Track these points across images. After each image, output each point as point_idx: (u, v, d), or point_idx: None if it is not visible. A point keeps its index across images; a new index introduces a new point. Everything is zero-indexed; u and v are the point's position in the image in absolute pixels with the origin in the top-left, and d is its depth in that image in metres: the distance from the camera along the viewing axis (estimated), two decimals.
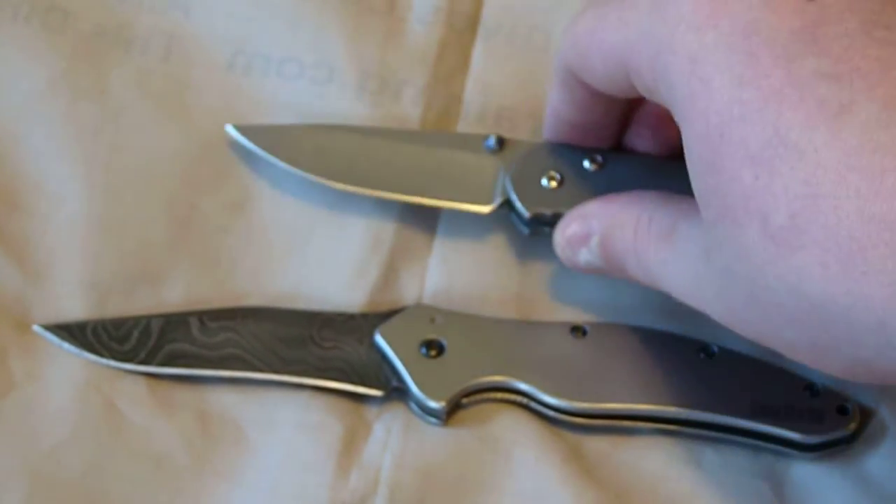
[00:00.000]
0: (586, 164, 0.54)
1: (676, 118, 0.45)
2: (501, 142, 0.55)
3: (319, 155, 0.55)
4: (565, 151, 0.54)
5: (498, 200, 0.54)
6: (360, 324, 0.54)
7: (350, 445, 0.52)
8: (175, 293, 0.55)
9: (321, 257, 0.56)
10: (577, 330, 0.53)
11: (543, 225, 0.54)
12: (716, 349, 0.53)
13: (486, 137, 0.55)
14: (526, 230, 0.54)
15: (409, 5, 0.59)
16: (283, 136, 0.56)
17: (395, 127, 0.57)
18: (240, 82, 0.58)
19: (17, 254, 0.55)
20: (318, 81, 0.58)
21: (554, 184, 0.54)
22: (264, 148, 0.56)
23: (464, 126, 0.58)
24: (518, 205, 0.54)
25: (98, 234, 0.55)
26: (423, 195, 0.55)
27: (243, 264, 0.55)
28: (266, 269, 0.55)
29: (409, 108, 0.58)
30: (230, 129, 0.56)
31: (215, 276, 0.55)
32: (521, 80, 0.58)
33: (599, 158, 0.54)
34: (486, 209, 0.54)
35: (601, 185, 0.53)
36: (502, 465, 0.51)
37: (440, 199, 0.55)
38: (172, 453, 0.52)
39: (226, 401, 0.53)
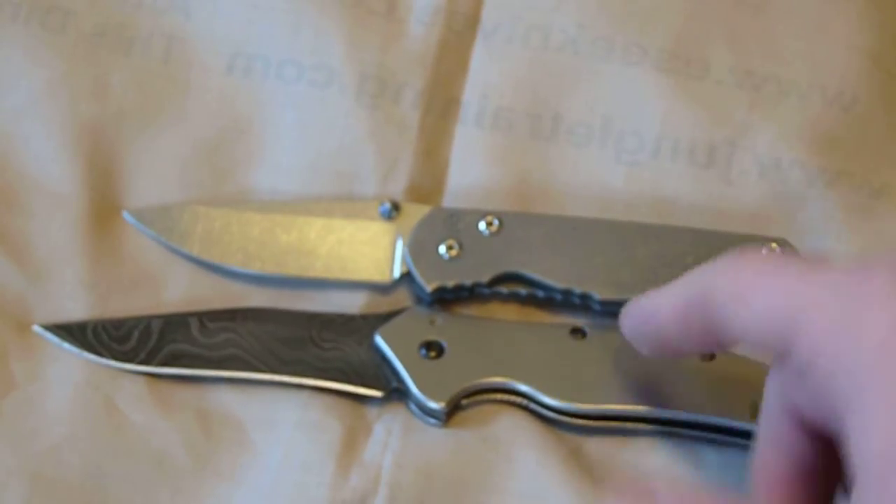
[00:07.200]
0: (482, 226, 0.54)
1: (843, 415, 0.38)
2: (396, 207, 0.55)
3: (212, 237, 0.55)
4: (460, 215, 0.54)
5: (398, 272, 0.54)
6: (360, 325, 0.54)
7: (350, 446, 0.52)
8: (175, 293, 0.55)
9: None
10: (577, 331, 0.53)
11: (446, 294, 0.54)
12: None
13: (380, 203, 0.55)
14: (429, 299, 0.54)
15: (409, 6, 0.59)
16: (177, 219, 0.55)
17: (292, 200, 0.56)
18: (239, 84, 0.58)
19: (17, 254, 0.55)
20: (318, 84, 0.58)
21: (453, 252, 0.54)
22: (158, 231, 0.55)
23: (462, 128, 0.58)
24: (419, 279, 0.54)
25: (98, 234, 0.55)
26: (323, 271, 0.55)
27: None
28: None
29: (408, 111, 0.58)
30: (126, 216, 0.56)
31: (215, 276, 0.55)
32: (519, 80, 0.58)
33: (496, 222, 0.54)
34: (387, 281, 0.54)
35: (500, 250, 0.54)
36: (502, 465, 0.51)
37: (341, 273, 0.55)
38: (173, 453, 0.52)
39: (226, 401, 0.53)
